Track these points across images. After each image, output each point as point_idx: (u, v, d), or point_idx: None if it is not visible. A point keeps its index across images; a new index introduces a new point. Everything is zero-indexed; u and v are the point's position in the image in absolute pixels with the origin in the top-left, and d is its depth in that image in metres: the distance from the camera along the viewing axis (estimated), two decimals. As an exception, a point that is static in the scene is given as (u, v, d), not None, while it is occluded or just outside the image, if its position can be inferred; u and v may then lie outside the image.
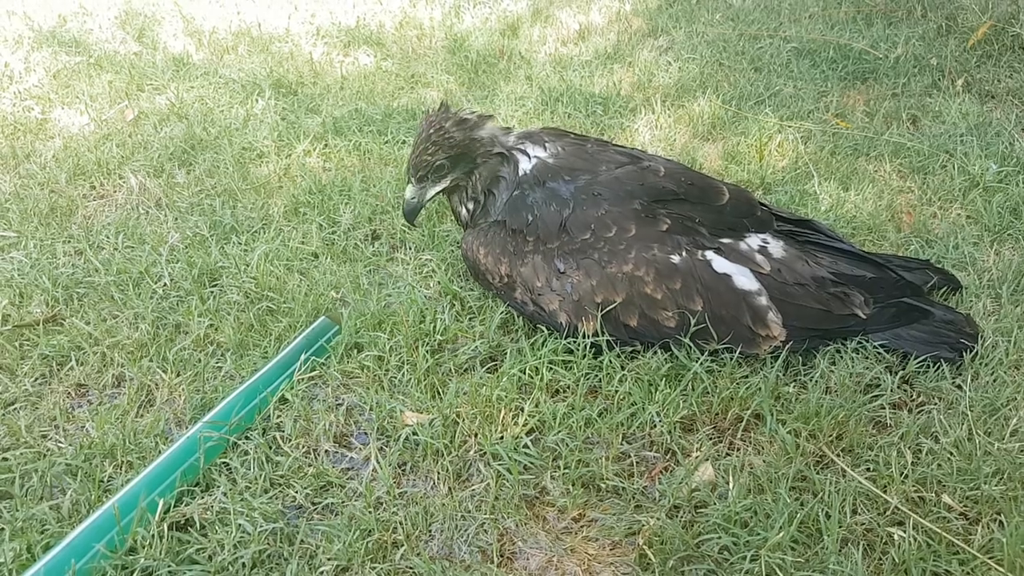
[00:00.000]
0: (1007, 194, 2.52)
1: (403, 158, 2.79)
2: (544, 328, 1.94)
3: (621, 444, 1.70)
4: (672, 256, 1.88)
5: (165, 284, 2.16)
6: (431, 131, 2.01)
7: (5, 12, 4.15)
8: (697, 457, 1.66)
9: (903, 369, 1.84)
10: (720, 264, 1.90)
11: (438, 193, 2.09)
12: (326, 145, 2.87)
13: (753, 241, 1.97)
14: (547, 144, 2.05)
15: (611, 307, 1.87)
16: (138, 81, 3.35)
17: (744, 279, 1.89)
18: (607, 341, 1.89)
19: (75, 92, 3.25)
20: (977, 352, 1.89)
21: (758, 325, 1.88)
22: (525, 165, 2.02)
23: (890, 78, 3.37)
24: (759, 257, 1.94)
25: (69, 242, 2.35)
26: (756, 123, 2.92)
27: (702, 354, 1.84)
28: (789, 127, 2.90)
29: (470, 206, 2.10)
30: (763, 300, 1.88)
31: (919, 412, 1.75)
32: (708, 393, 1.79)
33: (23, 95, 3.24)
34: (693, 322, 1.85)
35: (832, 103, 3.14)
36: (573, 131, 2.16)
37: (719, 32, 3.82)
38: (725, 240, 1.94)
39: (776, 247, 1.97)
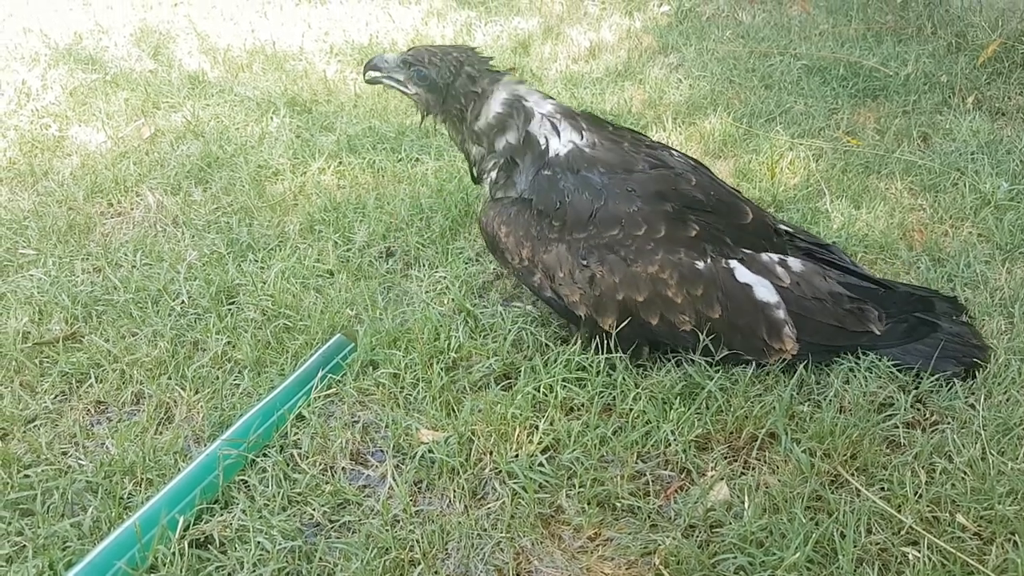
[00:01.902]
0: (1018, 212, 2.53)
1: (416, 176, 2.82)
2: (559, 316, 1.98)
3: (636, 463, 1.71)
4: (697, 262, 1.89)
5: (183, 302, 2.18)
6: (452, 55, 2.00)
7: (22, 29, 4.21)
8: (712, 476, 1.67)
9: (916, 388, 1.84)
10: (742, 274, 1.91)
11: (399, 89, 2.07)
12: (340, 163, 2.90)
13: (773, 255, 1.99)
14: (584, 132, 2.00)
15: (632, 305, 1.89)
16: (154, 99, 3.39)
17: (764, 291, 1.91)
18: (619, 351, 1.91)
19: (92, 110, 3.29)
20: (989, 371, 1.90)
21: (772, 338, 1.89)
22: (557, 146, 1.97)
23: (900, 95, 3.39)
24: (780, 270, 1.96)
25: (87, 259, 2.38)
26: (767, 141, 2.94)
27: (712, 361, 1.87)
28: (800, 144, 2.92)
29: (494, 175, 2.06)
30: (781, 313, 1.90)
31: (933, 431, 1.76)
32: (722, 411, 1.80)
33: (40, 112, 3.28)
34: (709, 328, 1.87)
35: (843, 120, 3.16)
36: (611, 122, 2.13)
37: (729, 49, 3.84)
38: (747, 251, 1.96)
39: (795, 262, 1.99)
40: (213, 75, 3.69)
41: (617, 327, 1.90)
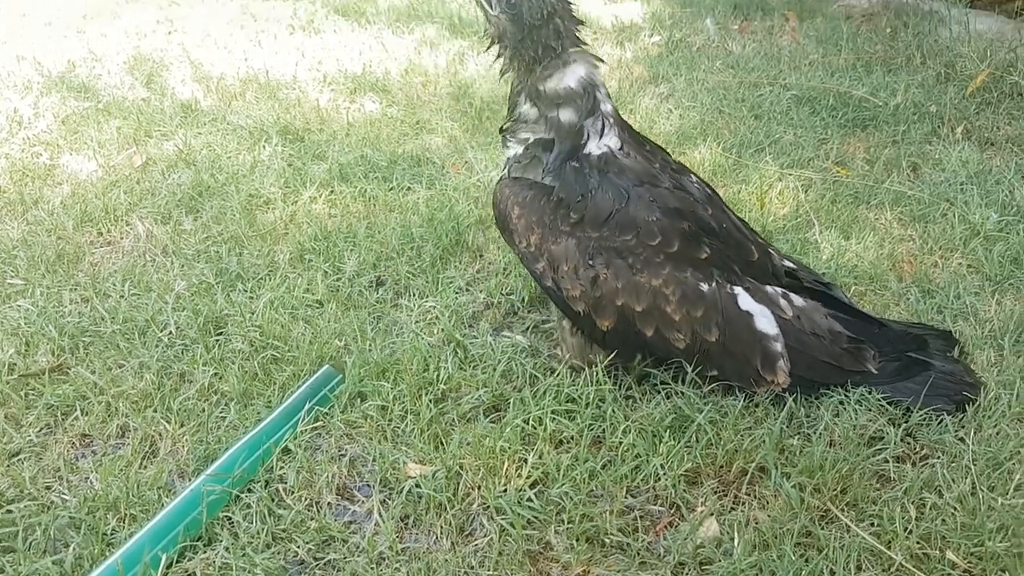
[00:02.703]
0: (1008, 243, 2.53)
1: (408, 205, 2.82)
2: (555, 305, 1.97)
3: (625, 497, 1.70)
4: (702, 284, 1.89)
5: (170, 332, 2.17)
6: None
7: (15, 57, 4.22)
8: (702, 512, 1.66)
9: (906, 421, 1.84)
10: (745, 301, 1.91)
11: (480, 5, 1.91)
12: (332, 192, 2.90)
13: (778, 288, 1.99)
14: (624, 143, 1.95)
15: (630, 313, 1.88)
16: (146, 127, 3.39)
17: (765, 321, 1.91)
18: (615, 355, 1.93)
19: (83, 138, 3.29)
20: (979, 404, 1.90)
21: (766, 369, 1.89)
22: (594, 146, 1.91)
23: (890, 125, 3.41)
24: (783, 302, 1.96)
25: (75, 290, 2.37)
26: (756, 171, 2.95)
27: (702, 392, 1.87)
28: (790, 175, 2.93)
29: (520, 149, 1.99)
30: (778, 346, 1.90)
31: (923, 465, 1.75)
32: (712, 445, 1.79)
33: (32, 141, 3.28)
34: (704, 350, 1.88)
35: (832, 150, 3.18)
36: (648, 140, 2.07)
37: (719, 80, 3.87)
38: (753, 280, 1.97)
39: (798, 297, 2.00)
40: (206, 103, 3.70)
41: (613, 330, 1.90)
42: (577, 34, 1.92)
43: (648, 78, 4.00)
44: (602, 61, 1.97)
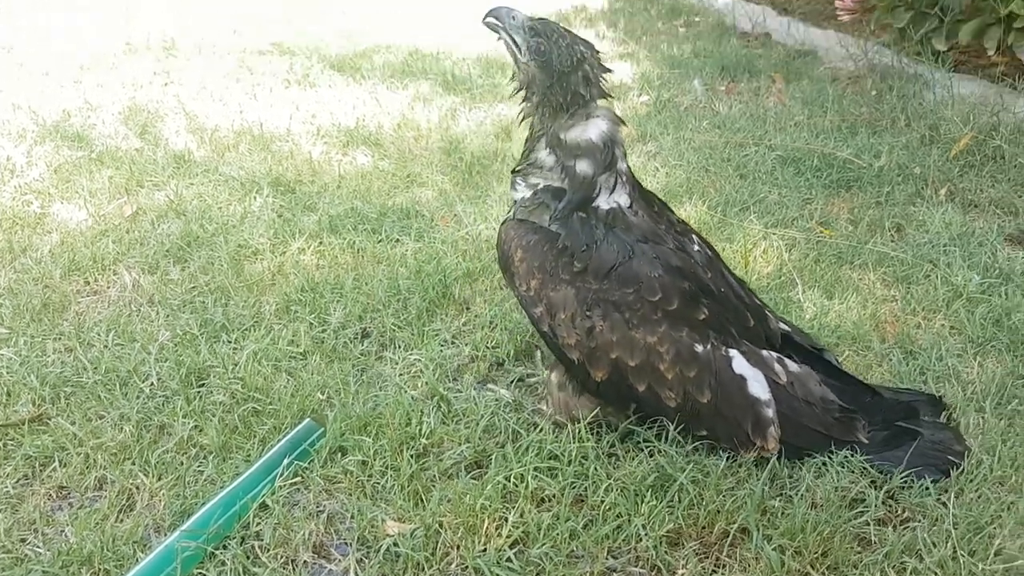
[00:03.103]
0: (990, 305, 2.56)
1: (395, 257, 2.84)
2: (551, 350, 1.99)
3: (606, 559, 1.68)
4: (697, 345, 1.90)
5: (152, 384, 2.16)
6: (579, 46, 1.88)
7: (11, 105, 4.26)
8: (683, 575, 1.64)
9: (887, 483, 1.83)
10: (740, 364, 1.92)
11: (511, 48, 1.91)
12: (321, 243, 2.92)
13: (773, 352, 2.00)
14: (633, 201, 1.96)
15: (623, 367, 1.89)
16: (138, 177, 3.42)
17: (758, 386, 1.91)
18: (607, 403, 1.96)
19: (75, 187, 3.31)
20: (962, 468, 1.89)
21: (756, 433, 1.89)
22: (603, 201, 1.92)
23: (874, 186, 3.46)
24: (777, 366, 1.97)
25: (59, 339, 2.36)
26: (741, 229, 2.98)
27: (685, 452, 1.87)
28: (774, 234, 2.96)
29: (528, 194, 2.00)
30: (770, 412, 1.90)
31: (903, 528, 1.74)
32: (694, 505, 1.78)
33: (23, 189, 3.30)
34: (695, 411, 1.89)
35: (816, 211, 3.22)
36: (658, 199, 2.10)
37: (706, 139, 3.93)
38: (749, 344, 1.97)
39: (793, 364, 2.01)
40: (199, 154, 3.73)
41: (607, 381, 1.91)
42: (604, 82, 1.93)
43: (636, 136, 4.06)
44: (623, 122, 1.99)
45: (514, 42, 1.90)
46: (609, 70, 1.95)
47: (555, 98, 1.89)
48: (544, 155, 1.97)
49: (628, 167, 1.99)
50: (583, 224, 1.91)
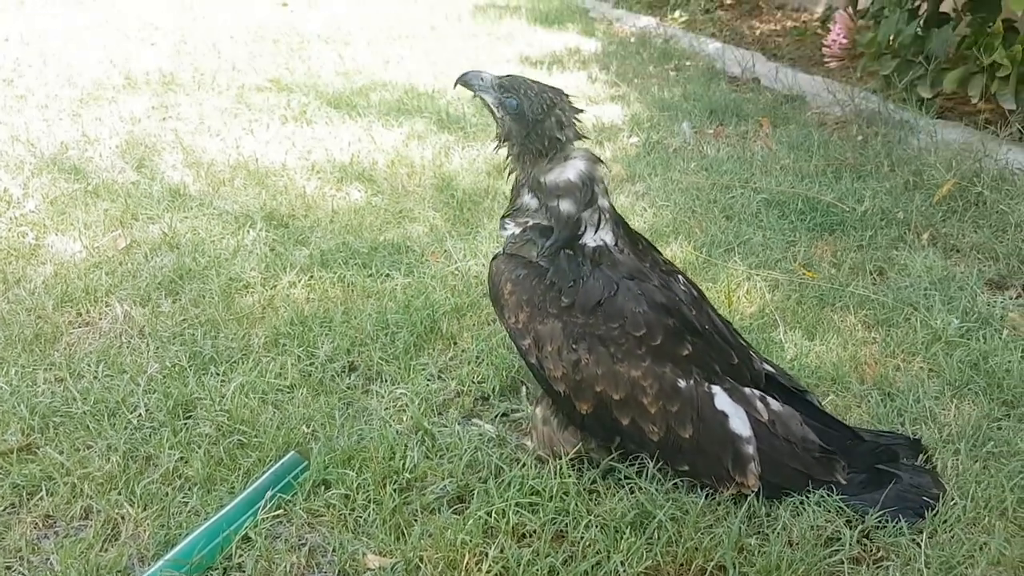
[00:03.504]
0: (968, 349, 2.60)
1: (385, 291, 2.88)
2: (540, 384, 2.03)
3: (584, 594, 1.70)
4: (680, 380, 1.94)
5: (140, 415, 2.19)
6: (547, 94, 1.98)
7: (9, 137, 4.32)
8: (658, 610, 1.66)
9: (863, 523, 1.86)
10: (722, 401, 1.96)
11: (487, 106, 2.03)
12: (311, 277, 2.96)
13: (756, 391, 2.04)
14: (618, 239, 2.03)
15: (608, 401, 1.93)
16: (133, 210, 3.46)
17: (739, 423, 1.95)
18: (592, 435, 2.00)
19: (70, 219, 3.35)
20: (937, 510, 1.92)
21: (736, 470, 1.92)
22: (589, 239, 1.99)
23: (857, 230, 3.52)
24: (759, 404, 2.01)
25: (50, 369, 2.39)
26: (725, 270, 3.04)
27: (664, 489, 1.90)
28: (757, 275, 3.02)
29: (517, 231, 2.06)
30: (750, 449, 1.94)
31: (877, 567, 1.77)
32: (673, 543, 1.81)
33: (19, 220, 3.34)
34: (677, 446, 1.92)
35: (800, 253, 3.27)
36: (643, 238, 2.17)
37: (693, 181, 4.00)
38: (732, 381, 2.02)
39: (775, 403, 2.04)
40: (194, 188, 3.79)
41: (592, 414, 1.96)
42: (577, 122, 2.03)
43: (625, 176, 4.13)
44: (601, 161, 2.07)
45: (487, 101, 2.02)
46: (581, 111, 2.04)
47: (533, 145, 1.99)
48: (528, 199, 2.05)
49: (611, 204, 2.06)
50: (570, 261, 1.97)
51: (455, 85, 2.08)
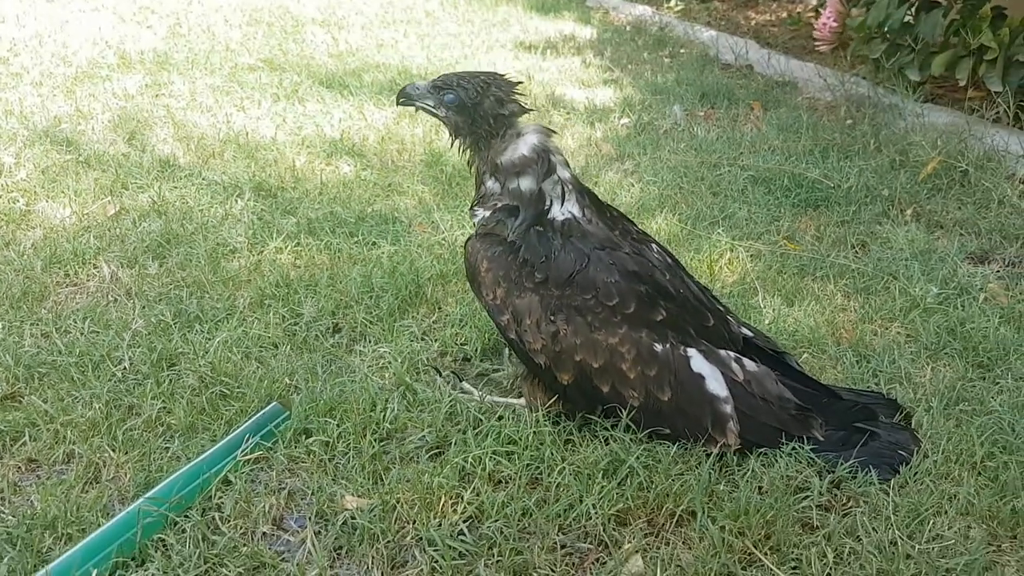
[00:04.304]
0: (946, 315, 2.63)
1: (371, 258, 2.90)
2: (520, 359, 2.06)
3: (557, 535, 1.73)
4: (656, 344, 1.98)
5: (124, 367, 2.22)
6: (479, 78, 2.03)
7: (3, 111, 4.33)
8: (628, 548, 1.69)
9: (832, 472, 1.89)
10: (698, 363, 2.00)
11: (430, 112, 2.10)
12: (298, 244, 2.99)
13: (731, 352, 2.07)
14: (585, 209, 2.07)
15: (588, 369, 1.97)
16: (123, 180, 3.48)
17: (716, 384, 1.99)
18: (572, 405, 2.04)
19: (61, 187, 3.38)
20: (910, 463, 1.96)
21: (716, 430, 1.95)
22: (557, 212, 2.03)
23: (841, 206, 3.55)
24: (735, 366, 2.04)
25: (37, 325, 2.42)
26: (708, 241, 3.07)
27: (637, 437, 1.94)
28: (740, 246, 3.05)
29: (487, 214, 2.10)
30: (728, 408, 1.97)
31: (845, 514, 1.80)
32: (644, 488, 1.84)
33: (10, 187, 3.36)
34: (657, 409, 1.96)
35: (783, 227, 3.30)
36: (611, 207, 2.20)
37: (682, 159, 4.03)
38: (707, 343, 2.05)
39: (750, 363, 2.08)
40: (184, 160, 3.81)
41: (574, 384, 1.99)
42: (517, 95, 2.06)
43: (615, 155, 4.16)
44: (554, 132, 2.09)
45: (428, 106, 2.09)
46: (519, 83, 2.09)
47: (481, 129, 2.05)
48: (491, 184, 2.10)
49: (572, 175, 2.10)
50: (540, 237, 2.02)
51: (397, 104, 2.17)
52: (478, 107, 2.02)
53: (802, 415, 2.03)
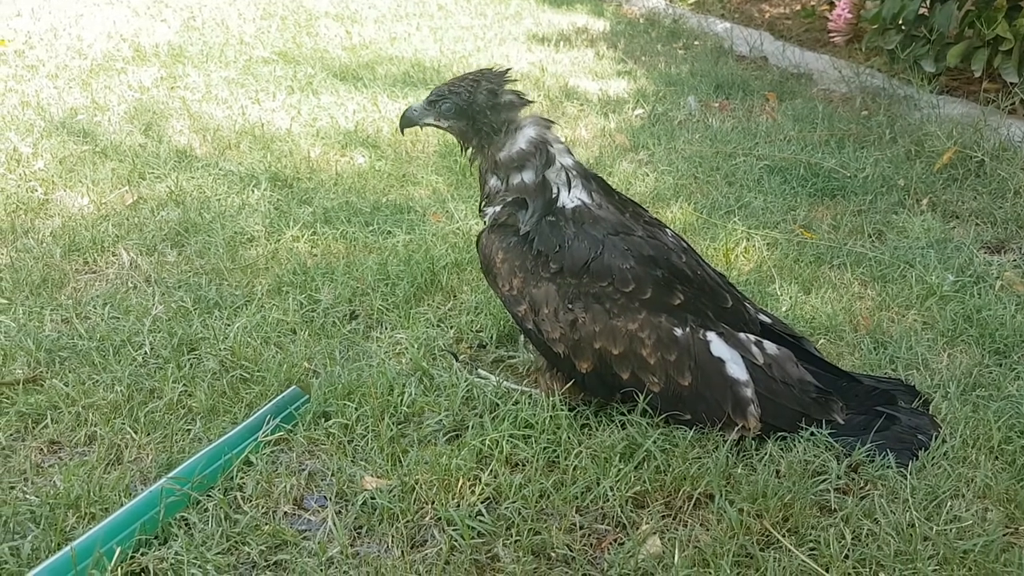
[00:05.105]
0: (963, 303, 2.63)
1: (387, 247, 2.92)
2: (538, 349, 2.07)
3: (574, 515, 1.75)
4: (676, 329, 1.98)
5: (145, 352, 2.24)
6: (468, 78, 2.05)
7: (20, 103, 4.37)
8: (646, 529, 1.70)
9: (849, 456, 1.90)
10: (717, 347, 1.99)
11: (435, 127, 2.11)
12: (315, 232, 3.01)
13: (751, 335, 2.07)
14: (593, 194, 2.07)
15: (607, 356, 1.97)
16: (140, 170, 3.51)
17: (736, 367, 1.98)
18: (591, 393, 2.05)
19: (78, 176, 3.40)
20: (928, 448, 1.96)
21: (737, 414, 1.95)
22: (565, 199, 2.04)
23: (858, 196, 3.55)
24: (755, 349, 2.04)
25: (57, 310, 2.44)
26: (724, 230, 3.06)
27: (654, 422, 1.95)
28: (757, 235, 3.04)
29: (498, 209, 2.10)
30: (748, 392, 1.97)
31: (863, 497, 1.80)
32: (662, 471, 1.85)
33: (28, 177, 3.39)
34: (677, 394, 1.96)
35: (800, 216, 3.30)
36: (619, 192, 2.20)
37: (696, 150, 4.03)
38: (727, 327, 2.05)
39: (771, 345, 2.08)
40: (201, 151, 3.83)
41: (592, 372, 1.99)
42: (508, 81, 2.07)
43: (629, 146, 4.16)
44: (552, 122, 2.11)
45: (430, 122, 2.11)
46: (507, 69, 2.09)
47: (484, 127, 2.05)
48: (494, 183, 2.11)
49: (576, 161, 2.11)
50: (552, 227, 2.02)
51: (401, 131, 2.21)
52: (473, 104, 2.03)
53: (823, 398, 2.03)
